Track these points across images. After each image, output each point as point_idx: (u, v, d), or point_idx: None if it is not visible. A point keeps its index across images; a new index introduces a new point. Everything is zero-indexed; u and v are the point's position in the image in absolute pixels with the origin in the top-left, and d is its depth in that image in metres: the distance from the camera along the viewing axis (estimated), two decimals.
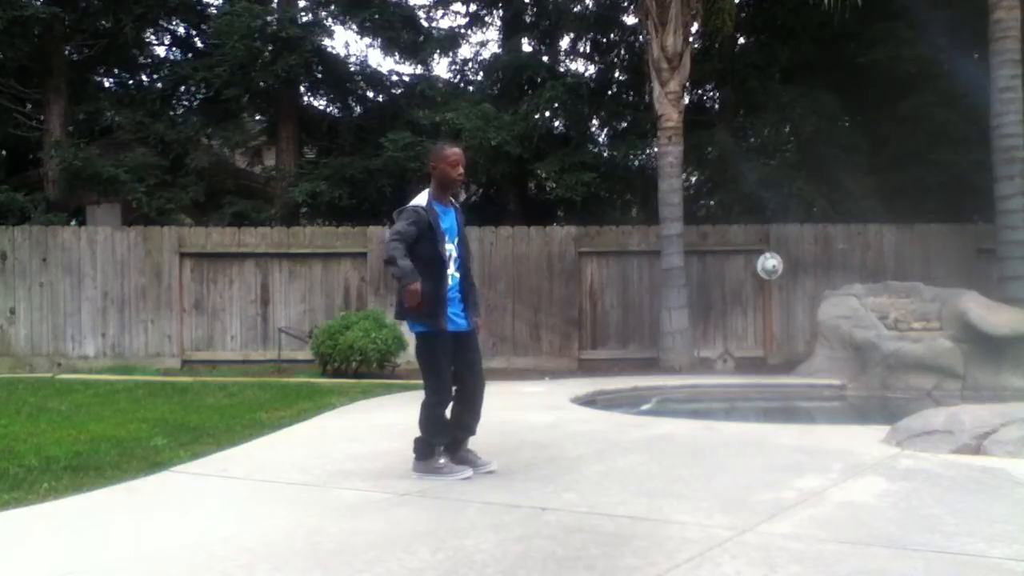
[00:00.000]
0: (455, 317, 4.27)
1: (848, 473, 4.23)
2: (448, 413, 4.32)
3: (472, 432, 4.41)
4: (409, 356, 11.00)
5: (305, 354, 10.93)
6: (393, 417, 6.59)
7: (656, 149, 12.21)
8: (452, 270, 4.27)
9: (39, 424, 6.19)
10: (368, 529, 3.36)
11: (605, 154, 14.23)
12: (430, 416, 4.30)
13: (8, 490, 4.15)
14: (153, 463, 4.80)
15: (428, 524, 3.41)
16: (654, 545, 3.09)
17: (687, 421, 6.59)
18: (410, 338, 10.99)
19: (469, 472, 4.22)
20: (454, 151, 4.32)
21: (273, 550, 3.10)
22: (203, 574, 2.85)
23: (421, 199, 4.31)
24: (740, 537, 3.17)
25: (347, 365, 10.00)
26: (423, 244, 4.19)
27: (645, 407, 8.13)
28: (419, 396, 8.04)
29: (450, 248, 4.26)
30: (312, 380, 9.46)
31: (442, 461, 4.27)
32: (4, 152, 16.21)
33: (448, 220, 4.30)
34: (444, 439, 4.30)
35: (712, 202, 15.19)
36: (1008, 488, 3.92)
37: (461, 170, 4.29)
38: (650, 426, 6.20)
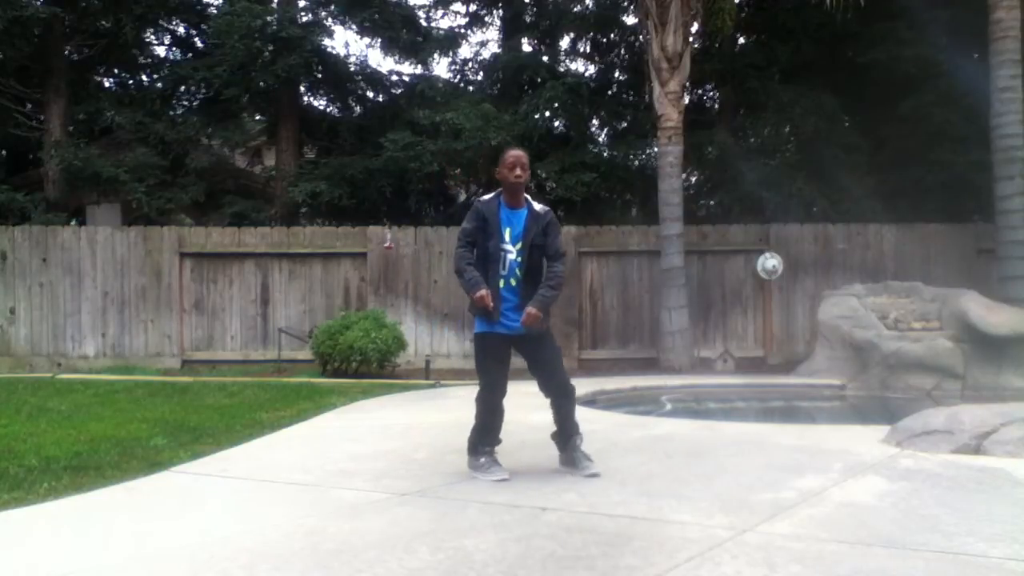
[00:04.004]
0: (505, 320, 4.23)
1: (848, 473, 4.23)
2: (492, 417, 4.30)
3: (567, 433, 4.35)
4: (409, 356, 11.04)
5: (305, 354, 10.93)
6: (393, 417, 6.60)
7: (656, 149, 12.21)
8: (503, 271, 4.23)
9: (39, 424, 6.19)
10: (368, 529, 3.36)
11: (605, 154, 14.22)
12: (477, 415, 4.33)
13: (8, 490, 4.15)
14: (153, 463, 4.80)
15: (428, 524, 3.41)
16: (654, 545, 3.09)
17: (687, 421, 6.60)
18: (410, 339, 11.07)
19: (501, 475, 4.18)
20: (512, 153, 4.31)
21: (273, 550, 3.10)
22: (203, 574, 2.85)
23: (488, 195, 4.38)
24: (740, 537, 3.17)
25: (347, 365, 10.00)
26: (479, 239, 4.27)
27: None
28: (419, 397, 8.05)
29: (506, 248, 4.23)
30: (312, 380, 9.46)
31: (482, 460, 4.28)
32: (4, 152, 16.22)
33: (511, 222, 4.27)
34: (488, 441, 4.31)
35: (712, 202, 15.19)
36: (1008, 488, 3.92)
37: (519, 172, 4.25)
38: (650, 426, 6.20)
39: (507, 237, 4.25)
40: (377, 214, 13.75)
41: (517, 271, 4.25)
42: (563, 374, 4.40)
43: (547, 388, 4.35)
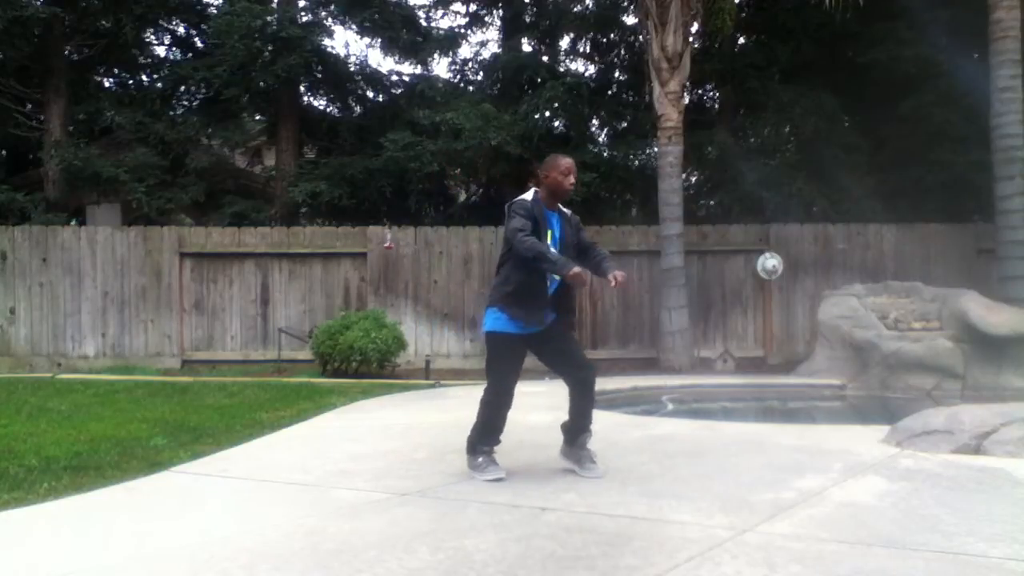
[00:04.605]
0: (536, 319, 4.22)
1: (848, 473, 4.23)
2: (498, 418, 4.28)
3: (581, 428, 4.34)
4: (409, 356, 11.03)
5: (305, 354, 10.93)
6: (393, 417, 6.60)
7: (656, 149, 12.21)
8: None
9: (39, 424, 6.19)
10: (368, 529, 3.36)
11: (605, 154, 14.22)
12: (480, 415, 4.31)
13: (8, 490, 4.15)
14: (153, 463, 4.80)
15: (428, 524, 3.41)
16: (654, 545, 3.09)
17: (687, 421, 6.60)
18: (410, 339, 11.07)
19: (498, 474, 4.18)
20: (566, 161, 4.33)
21: (273, 550, 3.10)
22: (203, 574, 2.85)
23: (528, 195, 4.33)
24: (740, 537, 3.17)
25: (347, 365, 10.00)
26: None
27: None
28: (419, 397, 8.05)
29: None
30: (312, 380, 9.46)
31: (480, 460, 4.27)
32: (4, 152, 16.22)
33: (551, 224, 4.27)
34: (488, 441, 4.29)
35: (712, 202, 15.19)
36: (1008, 488, 3.92)
37: (572, 179, 4.29)
38: (650, 426, 6.21)
39: (549, 240, 4.25)
40: (377, 214, 13.75)
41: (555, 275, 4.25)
42: (587, 360, 4.41)
43: (575, 377, 4.31)
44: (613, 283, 4.10)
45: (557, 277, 4.16)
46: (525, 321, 4.20)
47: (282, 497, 3.99)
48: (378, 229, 11.92)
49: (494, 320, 4.25)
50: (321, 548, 3.11)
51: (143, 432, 5.80)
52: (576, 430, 4.36)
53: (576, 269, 4.00)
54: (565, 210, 4.41)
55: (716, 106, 16.12)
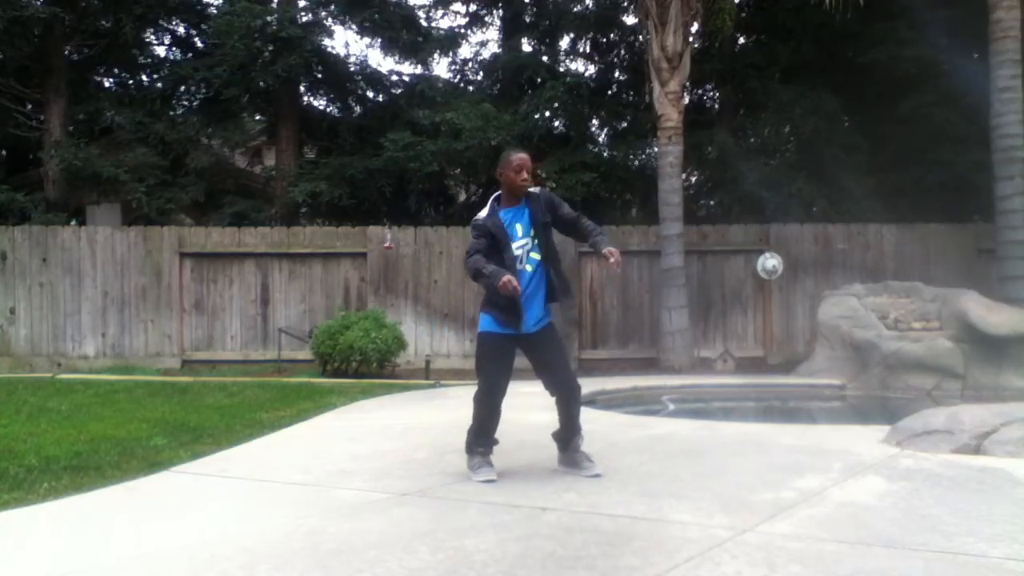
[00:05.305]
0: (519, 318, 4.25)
1: (848, 473, 4.23)
2: (491, 419, 4.30)
3: (571, 433, 4.37)
4: (409, 356, 11.04)
5: (305, 354, 10.93)
6: (393, 417, 6.60)
7: (656, 149, 12.21)
8: (526, 268, 4.23)
9: (39, 424, 6.19)
10: (368, 529, 3.36)
11: (605, 154, 14.22)
12: (473, 416, 4.32)
13: (8, 490, 4.15)
14: (153, 463, 4.80)
15: (428, 524, 3.41)
16: (654, 545, 3.09)
17: (687, 421, 6.60)
18: (410, 339, 11.07)
19: (489, 476, 4.20)
20: (519, 156, 4.34)
21: (273, 550, 3.10)
22: (203, 574, 2.85)
23: (484, 209, 4.37)
24: (740, 537, 3.17)
25: (347, 365, 10.00)
26: (491, 254, 4.21)
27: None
28: (419, 397, 8.05)
29: (521, 245, 4.25)
30: (312, 380, 9.46)
31: (475, 460, 4.30)
32: (4, 152, 16.21)
33: (516, 219, 4.29)
34: (483, 442, 4.31)
35: (712, 202, 15.19)
36: (1008, 488, 3.92)
37: (525, 174, 4.30)
38: (650, 426, 6.21)
39: (519, 234, 4.27)
40: (377, 214, 13.75)
41: (534, 255, 4.27)
42: (571, 373, 4.44)
43: (555, 387, 4.36)
44: (611, 259, 4.12)
45: (536, 259, 4.26)
46: (505, 323, 4.24)
47: (282, 497, 3.99)
48: (378, 229, 11.93)
49: (482, 322, 4.35)
50: (321, 548, 3.11)
51: (143, 432, 5.80)
52: (567, 436, 4.41)
53: (504, 278, 4.00)
54: (533, 190, 4.39)
55: (716, 106, 16.11)
